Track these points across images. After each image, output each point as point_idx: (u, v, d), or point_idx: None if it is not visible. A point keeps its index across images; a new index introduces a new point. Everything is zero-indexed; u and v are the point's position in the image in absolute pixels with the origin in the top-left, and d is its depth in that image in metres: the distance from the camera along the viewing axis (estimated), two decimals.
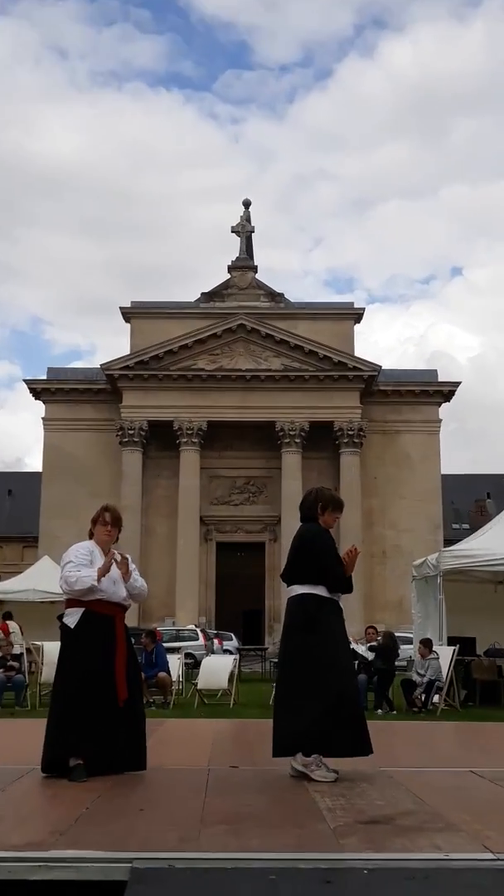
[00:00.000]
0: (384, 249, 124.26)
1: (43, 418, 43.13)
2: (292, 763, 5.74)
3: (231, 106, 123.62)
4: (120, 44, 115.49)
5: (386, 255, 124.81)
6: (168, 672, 15.08)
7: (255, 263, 44.31)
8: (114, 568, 5.96)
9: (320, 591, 5.95)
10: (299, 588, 6.01)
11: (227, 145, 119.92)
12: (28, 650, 16.65)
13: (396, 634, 17.41)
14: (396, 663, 16.02)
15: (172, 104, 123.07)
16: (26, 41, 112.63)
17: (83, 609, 5.95)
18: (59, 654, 6.02)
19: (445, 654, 14.56)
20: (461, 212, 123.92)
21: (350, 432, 40.60)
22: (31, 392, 43.11)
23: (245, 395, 40.76)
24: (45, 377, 43.70)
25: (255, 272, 44.07)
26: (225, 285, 43.76)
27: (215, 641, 30.56)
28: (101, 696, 5.76)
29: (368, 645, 15.72)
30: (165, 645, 17.81)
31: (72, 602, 6.03)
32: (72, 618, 5.98)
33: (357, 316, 43.54)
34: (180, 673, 16.88)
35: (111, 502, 6.87)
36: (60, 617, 6.07)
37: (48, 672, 13.37)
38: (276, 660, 23.74)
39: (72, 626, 5.94)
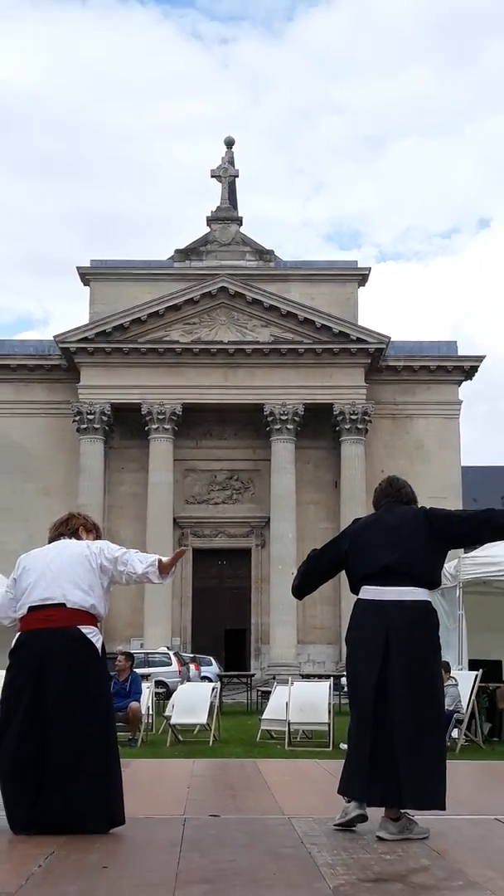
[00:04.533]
0: (399, 197, 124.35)
1: None
2: (386, 832, 5.46)
3: (219, 23, 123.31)
4: None
5: (400, 204, 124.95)
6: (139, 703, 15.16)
7: (240, 215, 44.36)
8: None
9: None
10: (421, 593, 5.71)
11: (214, 71, 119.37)
12: None
13: None
14: None
15: (147, 21, 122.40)
16: None
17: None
18: (86, 689, 5.63)
19: (466, 681, 14.64)
20: (492, 151, 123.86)
21: (353, 416, 40.69)
22: None
23: (227, 373, 40.79)
24: None
25: (240, 225, 44.08)
26: (203, 241, 43.74)
27: (191, 667, 30.64)
28: None
29: None
30: None
31: (90, 619, 5.70)
32: (97, 638, 5.72)
33: (362, 277, 43.60)
34: (150, 704, 16.93)
35: (67, 502, 6.78)
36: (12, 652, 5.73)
37: None
38: (266, 688, 23.77)
39: (100, 653, 5.71)
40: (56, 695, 5.51)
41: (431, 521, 5.78)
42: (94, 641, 5.64)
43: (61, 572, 5.68)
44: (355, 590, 5.92)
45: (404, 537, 5.74)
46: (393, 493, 6.06)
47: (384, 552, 5.72)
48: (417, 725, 5.52)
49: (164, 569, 5.77)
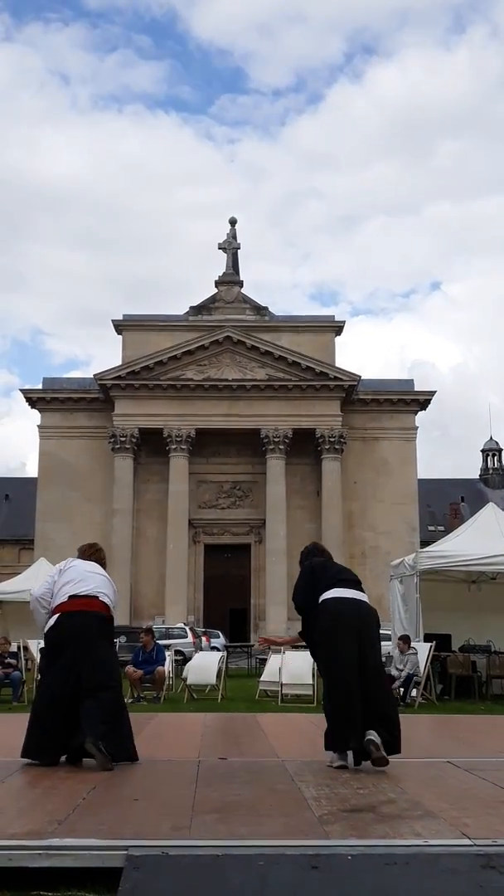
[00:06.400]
0: (368, 264, 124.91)
1: (38, 426, 42.98)
2: (375, 735, 5.72)
3: (227, 127, 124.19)
4: (121, 69, 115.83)
5: (369, 270, 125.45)
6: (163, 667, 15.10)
7: (241, 278, 44.32)
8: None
9: None
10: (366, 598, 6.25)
11: (222, 165, 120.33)
12: (25, 648, 16.59)
13: None
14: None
15: (171, 126, 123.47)
16: (30, 67, 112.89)
17: None
18: (110, 655, 6.42)
19: (423, 650, 14.59)
20: (442, 228, 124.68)
21: (331, 439, 40.65)
22: (27, 401, 42.99)
23: (231, 404, 40.76)
24: (41, 387, 43.59)
25: (241, 287, 44.09)
26: (212, 299, 43.78)
27: (203, 639, 30.51)
28: None
29: None
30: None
31: (110, 613, 6.41)
32: (113, 625, 6.58)
33: (338, 328, 43.58)
34: (170, 669, 16.86)
35: (103, 507, 7.26)
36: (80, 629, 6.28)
37: None
38: (263, 656, 23.70)
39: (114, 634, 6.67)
40: (85, 653, 6.04)
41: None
42: (112, 624, 6.42)
43: (101, 582, 6.40)
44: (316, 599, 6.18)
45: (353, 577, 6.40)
46: (321, 552, 6.61)
47: (345, 572, 6.39)
48: (382, 689, 5.98)
49: None
